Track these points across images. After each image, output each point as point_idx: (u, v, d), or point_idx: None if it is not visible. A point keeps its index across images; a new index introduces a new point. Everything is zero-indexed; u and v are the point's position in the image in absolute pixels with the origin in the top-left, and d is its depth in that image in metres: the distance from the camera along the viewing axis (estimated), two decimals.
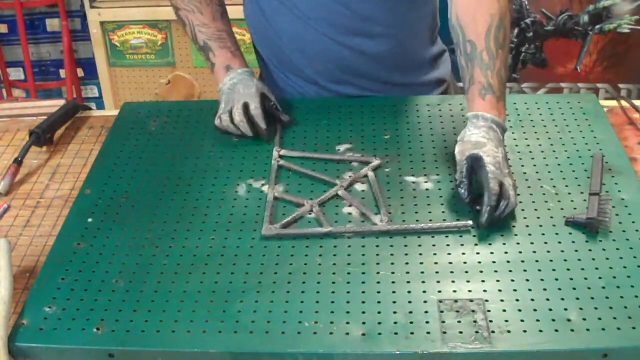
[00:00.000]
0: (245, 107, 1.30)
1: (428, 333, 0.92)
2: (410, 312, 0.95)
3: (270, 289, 1.00)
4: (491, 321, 0.93)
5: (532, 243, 1.05)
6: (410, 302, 0.97)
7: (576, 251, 1.03)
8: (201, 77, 2.73)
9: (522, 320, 0.93)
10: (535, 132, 1.29)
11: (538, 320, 0.93)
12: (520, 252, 1.04)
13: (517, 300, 0.96)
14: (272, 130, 1.31)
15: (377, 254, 1.05)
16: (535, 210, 1.11)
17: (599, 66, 2.63)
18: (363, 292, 0.99)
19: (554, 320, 0.93)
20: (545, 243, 1.05)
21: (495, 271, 1.01)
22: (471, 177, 1.10)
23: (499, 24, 1.16)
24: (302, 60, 1.39)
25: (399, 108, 1.37)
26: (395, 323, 0.94)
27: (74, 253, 1.08)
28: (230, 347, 0.93)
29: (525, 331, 0.92)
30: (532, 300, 0.96)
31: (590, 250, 1.03)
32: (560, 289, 0.97)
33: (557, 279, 0.99)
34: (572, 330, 0.91)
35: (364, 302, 0.97)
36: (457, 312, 0.95)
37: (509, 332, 0.92)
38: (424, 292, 0.98)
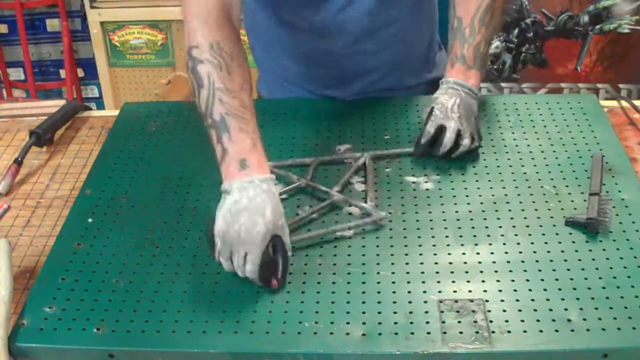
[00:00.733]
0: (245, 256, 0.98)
1: (428, 333, 0.92)
2: (410, 312, 0.95)
3: (270, 289, 1.00)
4: (491, 321, 0.93)
5: (532, 243, 1.05)
6: (410, 302, 0.97)
7: (576, 251, 1.03)
8: None
9: (522, 320, 0.93)
10: (535, 132, 1.29)
11: (538, 320, 0.93)
12: (520, 252, 1.04)
13: (517, 300, 0.96)
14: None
15: (377, 254, 1.05)
16: (535, 210, 1.11)
17: (599, 66, 2.63)
18: (363, 292, 0.99)
19: (554, 320, 0.93)
20: (545, 243, 1.05)
21: (495, 271, 1.01)
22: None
23: (488, 5, 1.22)
24: (299, 66, 1.38)
25: (398, 108, 1.37)
26: (395, 323, 0.94)
27: (74, 253, 1.08)
28: (230, 347, 0.93)
29: (525, 331, 0.92)
30: (532, 300, 0.96)
31: (590, 250, 1.03)
32: (560, 289, 0.97)
33: (557, 279, 0.99)
34: (572, 330, 0.91)
35: (364, 302, 0.97)
36: (457, 312, 0.95)
37: (509, 332, 0.92)
38: (424, 292, 0.98)
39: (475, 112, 1.22)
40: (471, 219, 1.10)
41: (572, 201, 1.13)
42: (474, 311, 0.95)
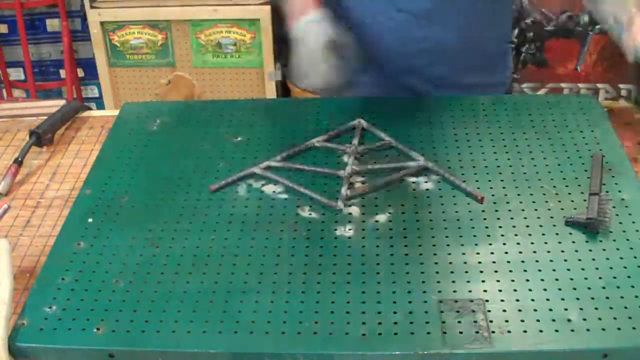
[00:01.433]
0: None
1: (428, 333, 0.92)
2: (410, 312, 0.95)
3: (270, 289, 1.00)
4: (491, 321, 0.93)
5: (532, 243, 1.05)
6: (410, 302, 0.97)
7: (576, 251, 1.04)
8: (201, 77, 2.73)
9: (522, 320, 0.93)
10: (535, 132, 1.29)
11: (538, 320, 0.93)
12: (520, 252, 1.04)
13: (517, 300, 0.96)
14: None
15: (377, 254, 1.05)
16: (535, 210, 1.11)
17: (599, 66, 2.63)
18: (363, 292, 0.99)
19: (554, 320, 0.93)
20: (545, 243, 1.05)
21: (495, 271, 1.01)
22: None
23: None
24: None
25: (399, 109, 1.37)
26: (395, 323, 0.94)
27: (74, 253, 1.08)
28: (230, 347, 0.93)
29: (525, 331, 0.92)
30: (532, 300, 0.96)
31: (590, 250, 1.03)
32: (560, 289, 0.97)
33: (557, 279, 0.99)
34: (572, 330, 0.91)
35: (364, 302, 0.97)
36: (457, 312, 0.95)
37: (509, 332, 0.92)
38: (424, 292, 0.98)
39: None
40: (471, 219, 1.10)
41: (572, 201, 1.13)
42: (474, 311, 0.95)
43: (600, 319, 0.92)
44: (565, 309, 0.94)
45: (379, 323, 0.94)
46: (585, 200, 1.11)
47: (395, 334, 0.92)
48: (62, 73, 3.02)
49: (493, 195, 1.15)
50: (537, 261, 1.02)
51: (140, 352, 0.94)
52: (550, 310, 0.94)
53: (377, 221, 1.11)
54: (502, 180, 1.18)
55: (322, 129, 1.31)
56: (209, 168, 1.25)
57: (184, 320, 0.96)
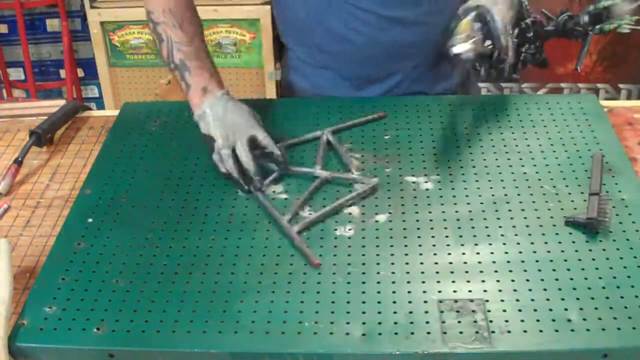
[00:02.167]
0: (252, 141, 1.20)
1: (428, 333, 0.92)
2: (410, 312, 0.95)
3: (270, 289, 1.00)
4: (491, 321, 0.93)
5: (532, 243, 1.05)
6: (410, 302, 0.97)
7: (576, 251, 1.04)
8: None
9: (522, 320, 0.93)
10: (535, 132, 1.29)
11: (538, 320, 0.93)
12: (520, 252, 1.04)
13: (517, 300, 0.96)
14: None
15: (377, 254, 1.05)
16: (535, 210, 1.11)
17: (599, 66, 2.63)
18: (363, 292, 0.99)
19: (554, 320, 0.93)
20: (545, 243, 1.05)
21: (495, 271, 1.01)
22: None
23: None
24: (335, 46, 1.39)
25: (398, 108, 1.37)
26: (395, 323, 0.94)
27: (74, 253, 1.08)
28: (230, 347, 0.93)
29: (525, 331, 0.92)
30: (532, 300, 0.96)
31: (590, 250, 1.03)
32: (560, 289, 0.97)
33: (557, 279, 0.99)
34: (572, 330, 0.91)
35: (364, 302, 0.97)
36: (457, 312, 0.95)
37: (509, 332, 0.92)
38: (424, 292, 0.98)
39: None
40: (471, 219, 1.10)
41: (572, 201, 1.13)
42: (474, 311, 0.95)
43: (600, 319, 0.92)
44: (565, 309, 0.94)
45: (379, 323, 0.94)
46: (585, 200, 1.11)
47: (395, 334, 0.92)
48: (62, 73, 3.02)
49: (493, 195, 1.15)
50: (537, 261, 1.02)
51: (140, 352, 0.94)
52: (550, 310, 0.94)
53: (377, 221, 1.11)
54: (502, 180, 1.18)
55: (322, 128, 1.31)
56: (209, 168, 1.25)
57: (184, 320, 0.96)
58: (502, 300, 0.96)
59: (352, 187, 1.18)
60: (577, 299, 0.96)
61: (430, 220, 1.11)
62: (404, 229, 1.09)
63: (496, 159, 1.23)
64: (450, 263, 1.03)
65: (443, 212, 1.12)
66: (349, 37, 1.36)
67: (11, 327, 0.96)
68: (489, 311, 0.94)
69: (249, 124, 1.22)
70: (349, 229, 1.10)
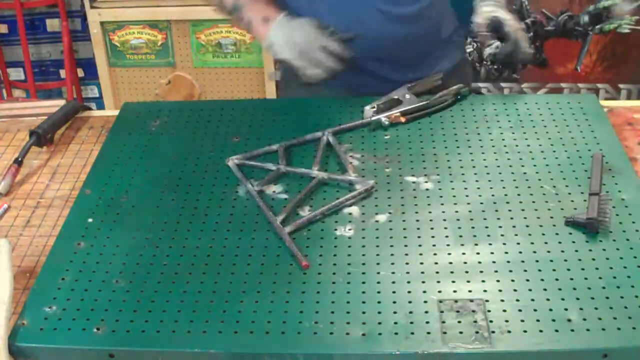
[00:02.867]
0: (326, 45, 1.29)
1: (428, 333, 0.92)
2: (410, 312, 0.95)
3: (270, 289, 1.00)
4: (491, 321, 0.93)
5: (532, 243, 1.05)
6: (410, 302, 0.97)
7: (576, 251, 1.04)
8: (201, 77, 2.73)
9: (522, 320, 0.93)
10: (535, 132, 1.29)
11: (538, 320, 0.93)
12: (520, 252, 1.04)
13: (517, 300, 0.96)
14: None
15: (377, 254, 1.05)
16: (535, 210, 1.11)
17: (599, 66, 2.63)
18: (363, 292, 0.99)
19: (554, 320, 0.93)
20: (545, 243, 1.05)
21: (495, 271, 1.01)
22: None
23: None
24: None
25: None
26: (395, 323, 0.94)
27: (74, 253, 1.08)
28: (230, 347, 0.93)
29: (525, 331, 0.92)
30: (532, 300, 0.96)
31: (590, 250, 1.03)
32: (560, 289, 0.97)
33: (557, 279, 0.99)
34: (572, 330, 0.91)
35: (364, 302, 0.97)
36: (457, 312, 0.95)
37: (509, 332, 0.92)
38: (424, 292, 0.98)
39: None
40: (471, 219, 1.10)
41: (572, 201, 1.13)
42: (474, 311, 0.95)
43: (600, 319, 0.92)
44: (565, 309, 0.94)
45: (379, 323, 0.94)
46: (585, 200, 1.11)
47: (395, 334, 0.92)
48: (62, 73, 3.02)
49: (493, 195, 1.15)
50: (537, 261, 1.02)
51: (140, 352, 0.94)
52: (550, 310, 0.94)
53: (377, 221, 1.11)
54: (502, 180, 1.18)
55: (322, 128, 1.31)
56: (209, 168, 1.25)
57: (184, 320, 0.96)
58: (502, 300, 0.96)
59: (352, 188, 1.18)
60: (577, 299, 0.96)
61: (430, 220, 1.11)
62: (404, 229, 1.09)
63: (496, 159, 1.23)
64: (450, 263, 1.03)
65: (443, 212, 1.12)
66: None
67: (11, 327, 0.96)
68: (489, 311, 0.94)
69: (317, 40, 1.28)
70: (349, 229, 1.10)
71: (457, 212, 1.12)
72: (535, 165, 1.21)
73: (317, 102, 1.41)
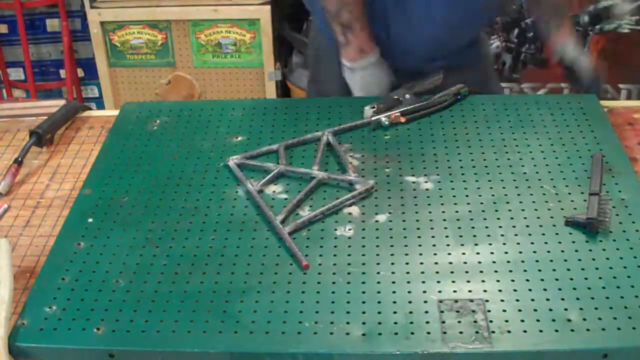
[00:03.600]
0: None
1: (428, 333, 0.92)
2: (410, 312, 0.95)
3: (270, 289, 1.00)
4: (491, 321, 0.93)
5: (532, 243, 1.05)
6: (410, 302, 0.97)
7: (576, 251, 1.04)
8: (201, 77, 2.73)
9: (522, 320, 0.93)
10: (535, 132, 1.29)
11: (538, 320, 0.93)
12: (520, 252, 1.04)
13: (517, 300, 0.96)
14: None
15: (377, 254, 1.05)
16: (535, 210, 1.11)
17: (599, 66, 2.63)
18: (363, 292, 0.99)
19: (554, 320, 0.93)
20: (545, 243, 1.05)
21: (495, 271, 1.01)
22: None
23: None
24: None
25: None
26: (395, 323, 0.94)
27: (74, 253, 1.08)
28: (230, 347, 0.93)
29: (525, 331, 0.92)
30: (532, 300, 0.96)
31: (590, 250, 1.03)
32: (560, 289, 0.97)
33: (557, 279, 0.99)
34: (572, 330, 0.91)
35: (364, 302, 0.97)
36: (457, 312, 0.95)
37: (509, 332, 0.92)
38: (424, 292, 0.98)
39: None
40: (471, 219, 1.10)
41: (572, 201, 1.13)
42: (474, 311, 0.95)
43: (600, 319, 0.92)
44: (565, 309, 0.94)
45: (379, 323, 0.94)
46: (585, 200, 1.11)
47: (395, 334, 0.92)
48: (62, 73, 3.01)
49: (493, 195, 1.15)
50: (537, 261, 1.02)
51: (140, 352, 0.94)
52: (550, 310, 0.94)
53: (377, 221, 1.11)
54: (502, 180, 1.18)
55: (322, 128, 1.31)
56: (209, 168, 1.25)
57: (184, 320, 0.96)
58: (502, 300, 0.96)
59: (352, 188, 1.18)
60: (577, 299, 0.96)
61: (430, 220, 1.11)
62: (404, 229, 1.09)
63: (496, 159, 1.23)
64: (450, 263, 1.03)
65: (443, 212, 1.12)
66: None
67: (11, 327, 0.96)
68: (489, 311, 0.94)
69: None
70: (349, 229, 1.10)
71: (457, 212, 1.12)
72: (535, 165, 1.21)
73: (317, 102, 1.41)
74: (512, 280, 0.99)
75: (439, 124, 1.33)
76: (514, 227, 1.08)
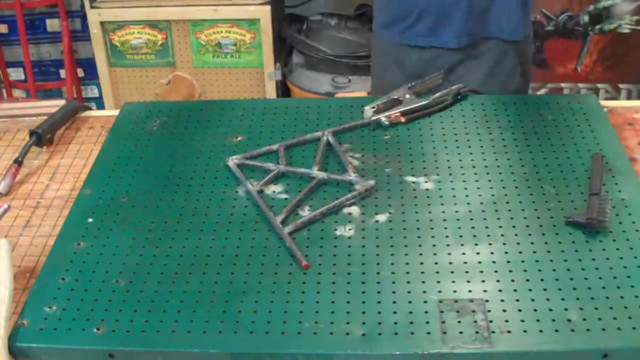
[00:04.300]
0: None
1: (428, 333, 0.92)
2: (410, 312, 0.95)
3: (270, 289, 1.00)
4: (491, 321, 0.93)
5: (532, 243, 1.05)
6: (410, 302, 0.97)
7: (576, 251, 1.04)
8: (201, 77, 2.73)
9: (522, 320, 0.93)
10: (535, 132, 1.29)
11: (538, 320, 0.93)
12: (520, 252, 1.04)
13: (517, 300, 0.96)
14: None
15: (377, 254, 1.05)
16: (535, 210, 1.11)
17: (599, 66, 2.63)
18: (363, 292, 0.99)
19: (554, 320, 0.93)
20: (545, 243, 1.05)
21: (495, 271, 1.01)
22: None
23: None
24: None
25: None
26: (395, 323, 0.94)
27: (74, 253, 1.08)
28: (230, 347, 0.93)
29: (525, 331, 0.92)
30: (532, 300, 0.96)
31: (590, 250, 1.03)
32: (560, 289, 0.97)
33: (557, 279, 0.99)
34: (572, 330, 0.91)
35: (364, 302, 0.97)
36: (457, 312, 0.95)
37: (509, 332, 0.92)
38: (424, 292, 0.98)
39: None
40: (471, 219, 1.10)
41: (572, 201, 1.13)
42: (474, 311, 0.95)
43: (600, 319, 0.92)
44: (565, 309, 0.94)
45: (379, 323, 0.94)
46: (585, 200, 1.11)
47: (395, 334, 0.92)
48: (62, 73, 3.01)
49: (493, 195, 1.15)
50: (537, 261, 1.02)
51: (140, 352, 0.94)
52: (550, 310, 0.94)
53: (377, 221, 1.11)
54: (502, 180, 1.18)
55: (322, 128, 1.31)
56: (209, 168, 1.25)
57: (184, 320, 0.96)
58: (502, 300, 0.96)
59: (352, 188, 1.18)
60: (577, 299, 0.96)
61: (430, 220, 1.11)
62: (404, 229, 1.09)
63: (496, 159, 1.23)
64: (450, 263, 1.03)
65: (443, 212, 1.12)
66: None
67: (11, 327, 0.96)
68: (489, 311, 0.94)
69: None
70: (349, 229, 1.10)
71: (457, 212, 1.12)
72: (535, 165, 1.21)
73: (317, 102, 1.41)
74: (512, 280, 0.99)
75: (439, 124, 1.33)
76: (513, 227, 1.08)
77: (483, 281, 0.99)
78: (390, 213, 1.12)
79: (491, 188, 1.16)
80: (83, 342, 0.94)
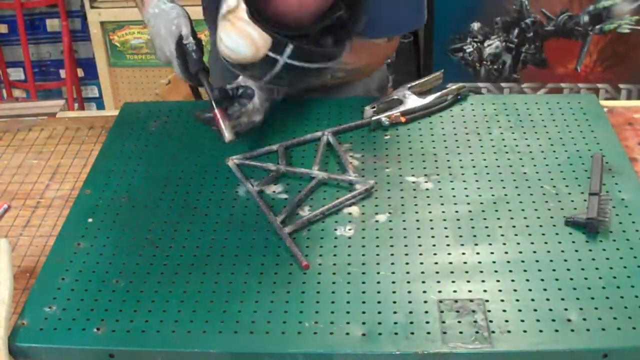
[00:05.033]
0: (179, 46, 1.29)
1: (428, 333, 0.92)
2: (410, 312, 0.95)
3: (270, 289, 1.00)
4: (491, 321, 0.93)
5: (532, 243, 1.05)
6: (410, 302, 0.97)
7: (576, 251, 1.04)
8: None
9: (522, 320, 0.93)
10: (535, 132, 1.29)
11: (538, 320, 0.93)
12: (520, 252, 1.04)
13: (517, 300, 0.96)
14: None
15: (377, 254, 1.05)
16: (535, 210, 1.11)
17: (599, 66, 2.63)
18: (363, 292, 0.99)
19: (554, 320, 0.93)
20: (545, 243, 1.05)
21: (495, 271, 1.01)
22: None
23: None
24: None
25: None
26: (395, 323, 0.94)
27: (74, 253, 1.08)
28: (230, 347, 0.93)
29: (525, 331, 0.92)
30: (532, 300, 0.96)
31: (590, 250, 1.03)
32: (560, 289, 0.97)
33: (557, 279, 0.99)
34: (572, 330, 0.91)
35: (364, 302, 0.97)
36: (457, 312, 0.95)
37: (509, 332, 0.92)
38: (424, 292, 0.98)
39: None
40: (471, 219, 1.10)
41: (572, 201, 1.13)
42: (474, 311, 0.95)
43: (600, 319, 0.92)
44: (565, 309, 0.94)
45: (379, 323, 0.94)
46: (585, 200, 1.11)
47: (395, 333, 0.92)
48: (62, 73, 3.01)
49: (493, 195, 1.15)
50: (537, 261, 1.02)
51: (140, 352, 0.94)
52: (550, 310, 0.94)
53: (377, 221, 1.11)
54: (502, 180, 1.18)
55: (322, 128, 1.31)
56: (209, 168, 1.25)
57: (184, 320, 0.96)
58: (502, 300, 0.96)
59: (352, 188, 1.18)
60: (577, 299, 0.96)
61: (430, 220, 1.11)
62: (404, 229, 1.09)
63: (496, 159, 1.23)
64: (450, 263, 1.03)
65: (443, 212, 1.12)
66: None
67: (11, 327, 0.96)
68: (489, 311, 0.94)
69: (172, 32, 1.31)
70: (349, 229, 1.10)
71: (457, 212, 1.12)
72: (535, 165, 1.21)
73: (317, 102, 1.41)
74: (512, 280, 0.99)
75: (439, 124, 1.33)
76: (514, 227, 1.08)
77: (483, 281, 0.99)
78: (390, 213, 1.12)
79: (491, 188, 1.16)
80: (83, 342, 0.94)
